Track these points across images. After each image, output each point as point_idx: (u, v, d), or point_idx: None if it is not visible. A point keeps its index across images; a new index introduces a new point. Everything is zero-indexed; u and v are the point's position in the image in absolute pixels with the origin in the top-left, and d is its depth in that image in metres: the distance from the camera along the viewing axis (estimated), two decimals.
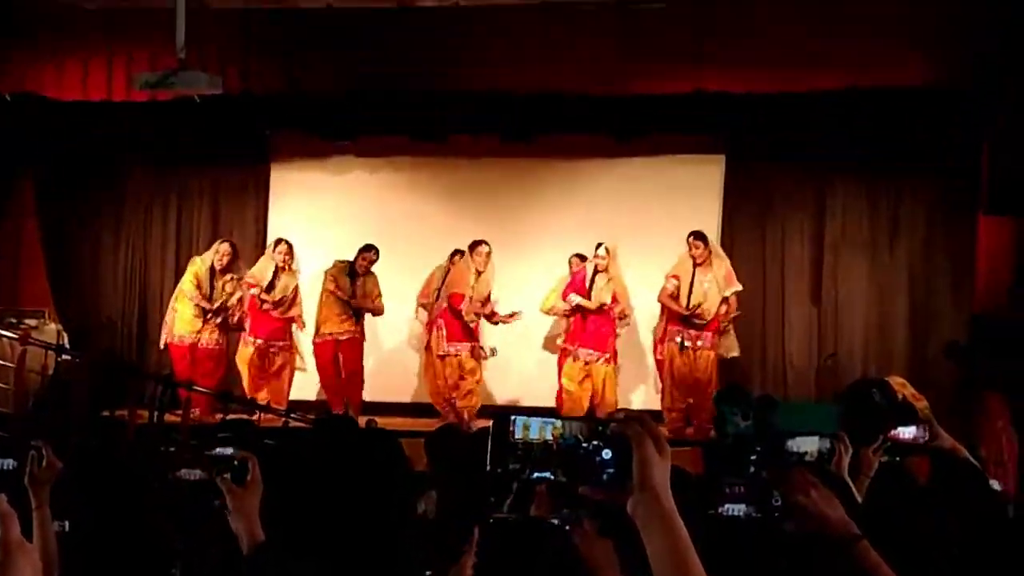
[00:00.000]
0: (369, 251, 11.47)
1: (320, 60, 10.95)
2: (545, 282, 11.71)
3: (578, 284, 11.10)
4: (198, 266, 11.58)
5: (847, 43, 10.21)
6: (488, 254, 11.15)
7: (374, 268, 11.57)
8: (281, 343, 11.55)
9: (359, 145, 12.59)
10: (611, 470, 2.21)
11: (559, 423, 2.35)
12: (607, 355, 10.97)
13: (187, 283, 11.50)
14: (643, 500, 2.12)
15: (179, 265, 12.54)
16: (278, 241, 11.62)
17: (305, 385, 11.89)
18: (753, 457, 3.85)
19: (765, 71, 10.47)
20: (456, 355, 11.12)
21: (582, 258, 11.39)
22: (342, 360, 11.46)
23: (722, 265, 10.91)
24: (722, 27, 10.42)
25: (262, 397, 11.11)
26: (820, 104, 10.82)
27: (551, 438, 2.36)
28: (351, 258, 11.53)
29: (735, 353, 11.13)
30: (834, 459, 3.93)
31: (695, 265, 10.81)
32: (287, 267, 11.47)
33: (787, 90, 10.59)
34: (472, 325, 11.17)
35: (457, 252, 11.43)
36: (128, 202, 12.99)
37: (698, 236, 10.85)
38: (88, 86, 10.98)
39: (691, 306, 10.75)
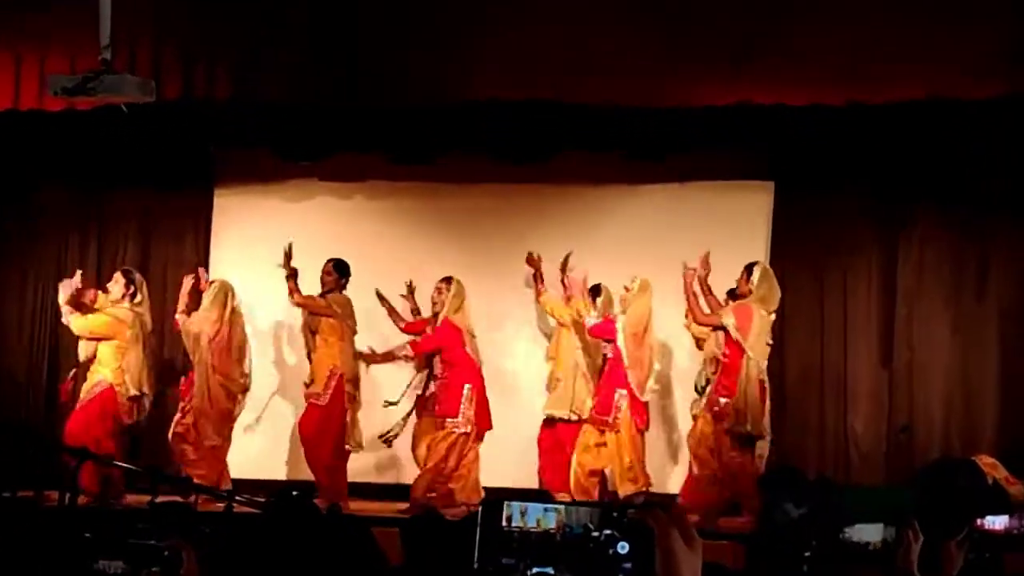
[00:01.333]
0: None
1: (277, 62, 11.02)
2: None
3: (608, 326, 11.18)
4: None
5: (925, 45, 10.27)
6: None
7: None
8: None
9: (324, 166, 12.66)
10: (628, 566, 2.21)
11: (562, 508, 2.37)
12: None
13: None
14: None
15: None
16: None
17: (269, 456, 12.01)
18: (807, 553, 3.88)
19: (825, 79, 10.55)
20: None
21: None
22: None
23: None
24: (772, 26, 10.49)
25: (198, 475, 11.10)
26: (892, 118, 10.88)
27: (553, 527, 2.37)
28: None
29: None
30: (900, 550, 3.94)
31: None
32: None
33: (852, 100, 10.64)
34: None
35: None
36: (38, 233, 13.05)
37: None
38: None
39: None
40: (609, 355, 11.18)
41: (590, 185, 12.51)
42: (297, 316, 11.86)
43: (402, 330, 11.78)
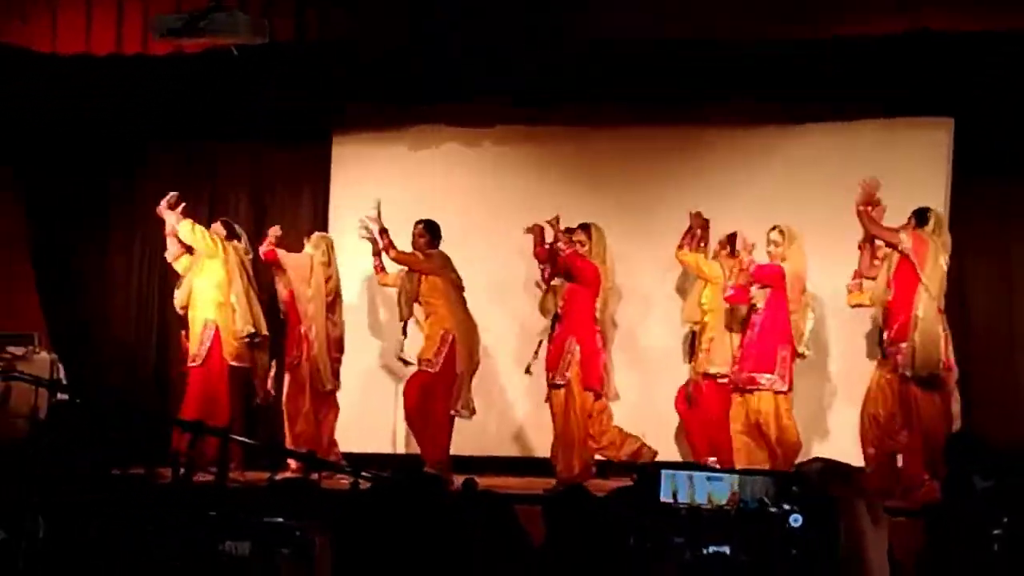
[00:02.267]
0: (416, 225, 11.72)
1: (397, 2, 11.06)
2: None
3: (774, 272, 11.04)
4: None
5: None
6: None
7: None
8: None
9: (449, 111, 12.72)
10: (801, 544, 2.17)
11: (735, 479, 2.34)
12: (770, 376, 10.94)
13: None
14: None
15: None
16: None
17: (375, 429, 12.16)
18: (998, 531, 3.83)
19: (1004, 4, 10.37)
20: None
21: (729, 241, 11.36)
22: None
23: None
24: None
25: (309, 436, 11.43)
26: None
27: (726, 502, 2.35)
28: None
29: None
30: None
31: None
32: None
33: None
34: None
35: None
36: (145, 192, 13.16)
37: None
38: (92, 36, 11.18)
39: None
40: (760, 307, 10.99)
41: (745, 127, 12.40)
42: None
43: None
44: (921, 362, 10.22)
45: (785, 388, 10.81)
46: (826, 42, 10.98)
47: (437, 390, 11.46)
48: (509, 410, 12.55)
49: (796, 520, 2.13)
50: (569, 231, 11.37)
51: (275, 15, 10.62)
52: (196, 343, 11.69)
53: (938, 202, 11.68)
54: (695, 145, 12.52)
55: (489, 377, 12.21)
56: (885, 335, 10.58)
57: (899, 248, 10.35)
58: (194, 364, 11.66)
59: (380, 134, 13.02)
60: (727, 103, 12.08)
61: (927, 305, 10.26)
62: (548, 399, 11.28)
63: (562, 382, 11.15)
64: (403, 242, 11.69)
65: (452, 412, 11.43)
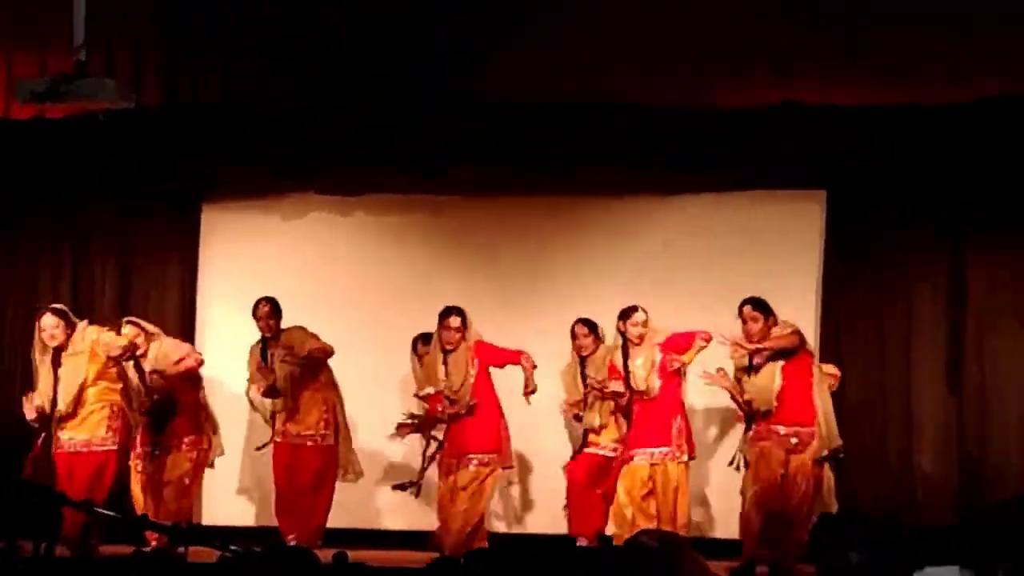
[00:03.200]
0: (258, 307, 11.49)
1: (272, 64, 11.04)
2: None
3: (615, 374, 11.07)
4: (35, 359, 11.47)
5: (993, 40, 10.27)
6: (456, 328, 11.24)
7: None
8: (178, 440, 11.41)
9: (321, 180, 12.72)
10: None
11: None
12: (672, 450, 10.92)
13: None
14: None
15: None
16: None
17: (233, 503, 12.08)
18: None
19: (879, 76, 10.55)
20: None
21: (592, 327, 11.29)
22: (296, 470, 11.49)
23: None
24: (820, 18, 10.51)
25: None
26: (958, 119, 10.87)
27: None
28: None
29: None
30: None
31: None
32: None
33: (909, 101, 10.63)
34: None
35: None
36: (5, 260, 13.05)
37: (756, 306, 10.78)
38: None
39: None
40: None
41: (620, 196, 12.47)
42: None
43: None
44: (826, 442, 10.55)
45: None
46: (702, 112, 11.11)
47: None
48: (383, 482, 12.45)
49: None
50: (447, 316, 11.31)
51: (144, 78, 10.54)
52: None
53: (812, 273, 11.87)
54: (576, 214, 12.57)
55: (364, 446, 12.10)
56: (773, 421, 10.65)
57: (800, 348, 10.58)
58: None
59: (250, 202, 12.93)
60: (604, 172, 12.12)
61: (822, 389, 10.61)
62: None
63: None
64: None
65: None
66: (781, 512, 10.51)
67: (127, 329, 11.27)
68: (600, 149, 11.88)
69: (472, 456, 11.14)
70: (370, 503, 12.38)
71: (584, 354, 11.25)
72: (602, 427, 11.21)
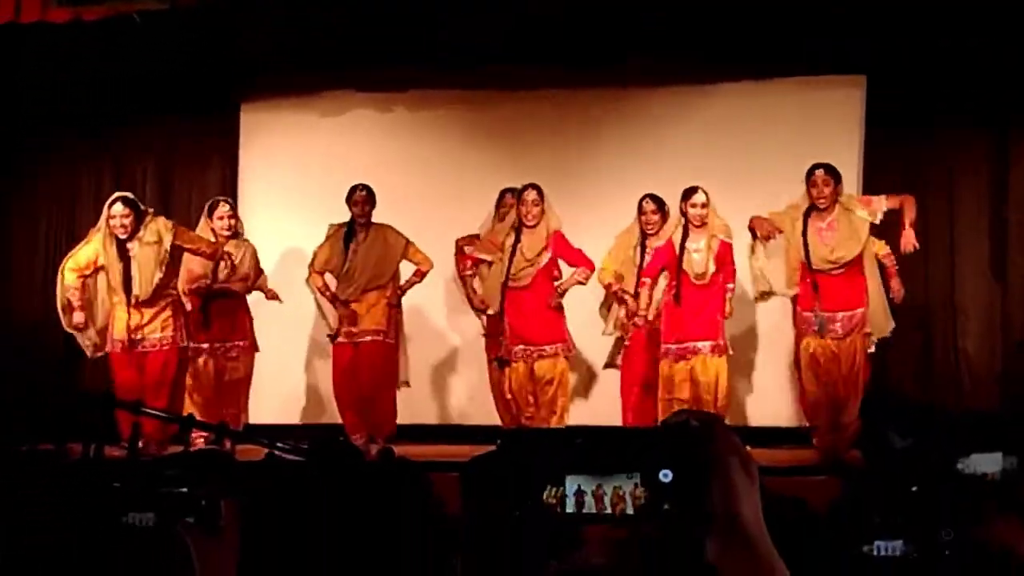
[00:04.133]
0: (355, 192, 11.41)
1: None
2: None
3: (666, 254, 11.04)
4: (95, 245, 11.48)
5: None
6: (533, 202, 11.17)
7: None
8: (237, 343, 11.58)
9: (360, 77, 12.66)
10: (672, 499, 2.15)
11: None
12: (717, 343, 10.90)
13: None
14: (732, 545, 2.05)
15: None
16: (214, 203, 11.52)
17: (287, 403, 12.12)
18: (913, 488, 3.85)
19: None
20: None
21: (660, 204, 11.21)
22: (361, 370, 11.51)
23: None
24: None
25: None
26: (1000, 3, 10.73)
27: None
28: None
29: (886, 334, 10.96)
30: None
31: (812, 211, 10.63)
32: (234, 232, 11.44)
33: None
34: None
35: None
36: (46, 168, 13.16)
37: (828, 171, 10.64)
38: None
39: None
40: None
41: (659, 86, 12.46)
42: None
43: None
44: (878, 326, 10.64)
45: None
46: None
47: (393, 360, 11.51)
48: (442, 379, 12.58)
49: (666, 475, 2.12)
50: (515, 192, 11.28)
51: None
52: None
53: (852, 160, 11.81)
54: (612, 106, 12.55)
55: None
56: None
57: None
58: None
59: (289, 101, 12.97)
60: (643, 62, 12.09)
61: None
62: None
63: None
64: (314, 209, 11.63)
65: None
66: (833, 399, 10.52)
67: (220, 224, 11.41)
68: (639, 39, 11.80)
69: (545, 347, 11.16)
70: (424, 399, 12.46)
71: (650, 231, 11.15)
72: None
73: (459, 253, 11.67)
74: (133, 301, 11.21)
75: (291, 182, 12.61)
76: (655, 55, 11.99)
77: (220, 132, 13.05)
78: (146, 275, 11.17)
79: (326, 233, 11.47)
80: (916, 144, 12.07)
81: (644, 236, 11.17)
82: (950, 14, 11.14)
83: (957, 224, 12.00)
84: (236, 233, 11.45)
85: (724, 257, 10.80)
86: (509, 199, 11.43)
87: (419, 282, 11.47)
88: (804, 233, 10.47)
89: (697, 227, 10.82)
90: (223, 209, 11.40)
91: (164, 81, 12.49)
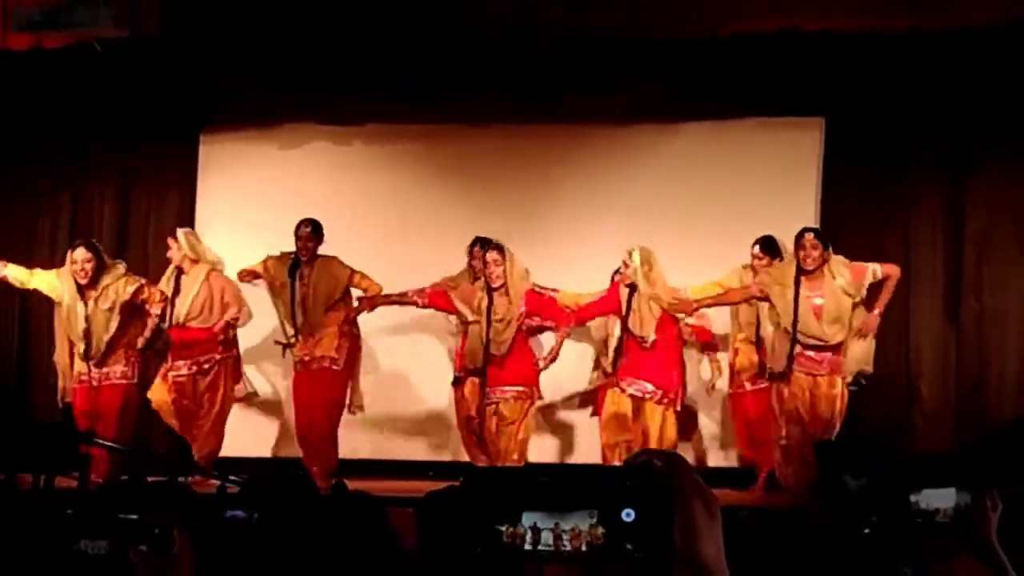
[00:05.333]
0: (300, 227, 11.37)
1: None
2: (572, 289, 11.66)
3: (612, 302, 11.11)
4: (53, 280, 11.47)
5: None
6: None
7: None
8: (213, 356, 11.51)
9: (322, 110, 12.67)
10: (635, 539, 2.16)
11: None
12: (669, 395, 10.99)
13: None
14: None
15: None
16: (74, 246, 11.41)
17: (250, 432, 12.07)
18: (866, 529, 3.84)
19: (879, 3, 10.50)
20: None
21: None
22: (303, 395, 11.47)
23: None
24: None
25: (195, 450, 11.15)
26: (957, 45, 10.81)
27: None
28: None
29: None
30: (977, 519, 3.89)
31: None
32: (195, 259, 11.44)
33: (911, 26, 10.58)
34: None
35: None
36: (4, 189, 13.07)
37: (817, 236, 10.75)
38: None
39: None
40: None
41: (620, 125, 12.46)
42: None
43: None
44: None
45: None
46: (701, 40, 11.07)
47: (342, 390, 11.45)
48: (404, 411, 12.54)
49: (628, 515, 2.12)
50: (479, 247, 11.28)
51: (139, 8, 10.50)
52: None
53: (810, 202, 11.87)
54: (574, 142, 12.54)
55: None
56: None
57: None
58: None
59: (249, 132, 12.92)
60: (603, 100, 12.11)
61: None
62: None
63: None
64: (272, 240, 11.58)
65: (350, 410, 11.48)
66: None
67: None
68: (599, 78, 11.85)
69: (508, 389, 11.12)
70: (384, 433, 12.42)
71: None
72: None
73: (442, 290, 11.53)
74: (92, 353, 11.21)
75: (249, 213, 12.58)
76: (619, 92, 11.99)
77: (179, 161, 12.98)
78: (98, 335, 11.22)
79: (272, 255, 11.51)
80: (873, 185, 12.10)
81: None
82: (908, 57, 11.22)
83: (913, 265, 12.02)
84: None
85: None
86: (477, 251, 11.40)
87: (368, 310, 11.42)
88: (796, 298, 10.53)
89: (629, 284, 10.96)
90: (78, 253, 11.27)
91: (123, 109, 12.48)
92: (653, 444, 10.81)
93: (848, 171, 12.09)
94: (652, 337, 10.89)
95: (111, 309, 11.21)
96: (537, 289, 11.15)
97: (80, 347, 11.21)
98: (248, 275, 11.63)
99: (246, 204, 12.64)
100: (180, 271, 11.44)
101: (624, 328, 10.99)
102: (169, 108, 12.62)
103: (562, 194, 12.39)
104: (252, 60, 11.85)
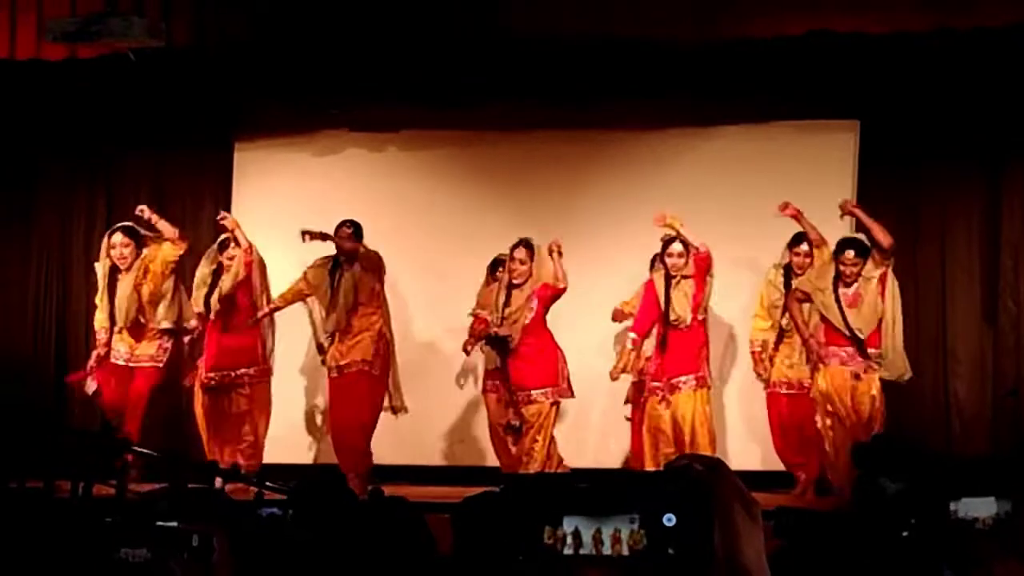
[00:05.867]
0: (343, 227, 11.39)
1: (302, 2, 11.00)
2: (606, 293, 11.74)
3: (650, 305, 11.15)
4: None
5: None
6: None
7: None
8: (246, 370, 11.55)
9: (354, 116, 12.68)
10: (676, 543, 2.16)
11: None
12: (696, 376, 11.04)
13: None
14: None
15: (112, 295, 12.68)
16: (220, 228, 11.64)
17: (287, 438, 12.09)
18: (905, 533, 3.82)
19: (911, 3, 10.45)
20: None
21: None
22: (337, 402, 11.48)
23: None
24: None
25: (226, 458, 11.13)
26: (991, 44, 10.75)
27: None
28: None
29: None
30: (1017, 527, 3.88)
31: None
32: (235, 244, 11.51)
33: (942, 25, 10.51)
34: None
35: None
36: (40, 200, 13.17)
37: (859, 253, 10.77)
38: None
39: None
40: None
41: (653, 129, 12.46)
42: None
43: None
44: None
45: None
46: (733, 43, 11.04)
47: (379, 394, 11.45)
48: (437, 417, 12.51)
49: (670, 520, 2.12)
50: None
51: (172, 19, 10.51)
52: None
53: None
54: (607, 147, 12.55)
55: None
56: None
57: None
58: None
59: (283, 141, 12.94)
60: (635, 105, 12.13)
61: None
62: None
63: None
64: (306, 248, 11.57)
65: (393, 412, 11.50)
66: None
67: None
68: (631, 82, 11.85)
69: (533, 392, 11.16)
70: (415, 438, 12.37)
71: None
72: None
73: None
74: (118, 329, 11.28)
75: (283, 221, 12.55)
76: (650, 97, 12.01)
77: (214, 171, 13.04)
78: (122, 306, 11.42)
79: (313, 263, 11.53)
80: (909, 188, 12.11)
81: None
82: (943, 59, 11.17)
83: (949, 267, 12.01)
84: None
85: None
86: (501, 271, 11.45)
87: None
88: (838, 302, 10.62)
89: (676, 276, 11.07)
90: (116, 238, 11.52)
91: (158, 119, 12.54)
92: (687, 430, 10.95)
93: (883, 174, 12.08)
94: (690, 317, 11.01)
95: (140, 272, 11.45)
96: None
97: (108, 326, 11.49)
98: (296, 296, 11.65)
99: (281, 212, 12.62)
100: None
101: (665, 322, 11.05)
102: (203, 117, 12.70)
103: (595, 198, 12.39)
104: (286, 69, 11.85)
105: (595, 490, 2.53)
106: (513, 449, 11.17)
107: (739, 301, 11.76)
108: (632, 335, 11.26)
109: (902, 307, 10.87)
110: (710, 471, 2.14)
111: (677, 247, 11.01)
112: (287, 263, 11.93)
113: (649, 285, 11.30)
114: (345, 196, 12.53)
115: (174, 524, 3.40)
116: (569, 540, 2.50)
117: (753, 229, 11.64)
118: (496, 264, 11.57)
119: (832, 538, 5.97)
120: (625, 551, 2.40)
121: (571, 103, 12.04)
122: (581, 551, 2.47)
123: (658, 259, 11.25)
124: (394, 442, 11.79)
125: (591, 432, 12.32)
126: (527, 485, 2.48)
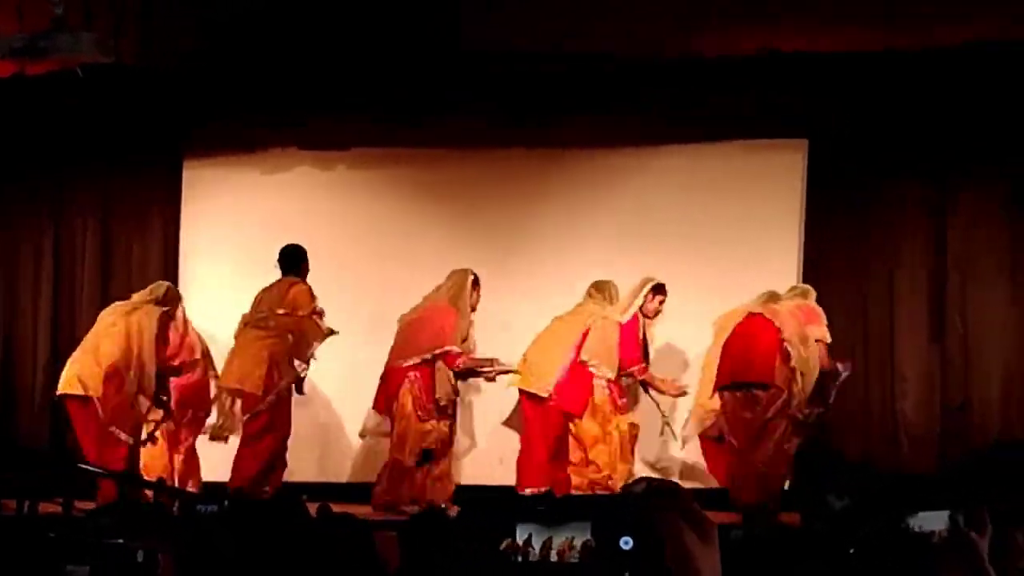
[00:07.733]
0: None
1: (251, 19, 10.96)
2: (555, 312, 11.59)
3: (631, 344, 11.15)
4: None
5: None
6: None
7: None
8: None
9: (304, 134, 12.65)
10: (633, 566, 2.16)
11: None
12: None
13: None
14: None
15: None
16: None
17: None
18: (851, 549, 3.82)
19: (860, 24, 10.50)
20: None
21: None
22: None
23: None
24: None
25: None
26: (937, 66, 10.83)
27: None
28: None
29: None
30: (969, 540, 3.88)
31: None
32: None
33: (892, 47, 10.58)
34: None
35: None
36: None
37: None
38: None
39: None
40: None
41: (601, 147, 12.46)
42: None
43: None
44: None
45: None
46: (683, 62, 11.08)
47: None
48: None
49: (627, 543, 2.12)
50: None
51: (121, 35, 10.46)
52: None
53: (794, 224, 11.87)
54: (556, 166, 12.54)
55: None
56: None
57: None
58: None
59: (232, 158, 12.89)
60: (585, 123, 12.13)
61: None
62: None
63: None
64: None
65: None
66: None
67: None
68: (581, 101, 11.89)
69: None
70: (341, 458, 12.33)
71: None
72: None
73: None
74: None
75: (233, 238, 12.54)
76: (600, 114, 12.01)
77: (162, 187, 12.95)
78: None
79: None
80: (857, 207, 12.12)
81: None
82: (891, 78, 11.23)
83: (896, 286, 12.04)
84: None
85: None
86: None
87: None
88: None
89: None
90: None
91: (106, 136, 12.50)
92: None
93: (832, 193, 12.10)
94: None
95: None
96: None
97: None
98: None
99: (230, 229, 12.60)
100: None
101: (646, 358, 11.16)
102: (152, 134, 12.65)
103: (543, 219, 12.37)
104: (233, 87, 11.84)
105: (552, 510, 2.52)
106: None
107: (686, 320, 11.71)
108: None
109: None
110: (657, 495, 2.13)
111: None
112: (236, 279, 11.87)
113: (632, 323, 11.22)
114: (295, 214, 12.49)
115: (119, 540, 3.36)
116: (522, 547, 2.49)
117: (704, 249, 11.65)
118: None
119: (782, 554, 5.98)
120: (575, 559, 2.39)
121: (521, 121, 12.07)
122: (532, 559, 2.46)
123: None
124: (345, 461, 11.73)
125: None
126: (482, 502, 2.46)
